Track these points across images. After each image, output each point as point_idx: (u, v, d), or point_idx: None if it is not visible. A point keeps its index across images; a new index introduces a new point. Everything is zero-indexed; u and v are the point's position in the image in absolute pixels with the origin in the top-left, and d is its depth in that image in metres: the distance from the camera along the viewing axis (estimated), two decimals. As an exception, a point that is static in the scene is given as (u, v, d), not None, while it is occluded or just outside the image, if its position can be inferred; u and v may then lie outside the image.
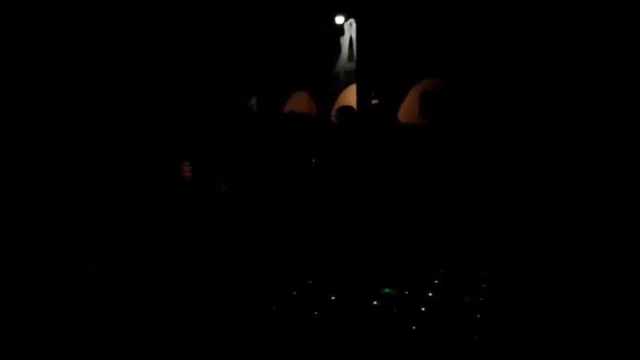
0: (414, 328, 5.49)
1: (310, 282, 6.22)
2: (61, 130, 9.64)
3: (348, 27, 19.31)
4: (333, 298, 5.83)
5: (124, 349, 4.96)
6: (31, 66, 9.71)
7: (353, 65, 19.08)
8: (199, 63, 12.10)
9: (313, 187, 8.38)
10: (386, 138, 10.37)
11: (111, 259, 6.96)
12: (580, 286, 6.06)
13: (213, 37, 14.87)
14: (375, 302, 5.53)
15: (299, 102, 19.70)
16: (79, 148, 9.56)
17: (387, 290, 5.87)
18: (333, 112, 16.80)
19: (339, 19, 19.11)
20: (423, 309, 5.53)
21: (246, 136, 9.56)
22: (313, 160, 8.87)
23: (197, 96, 11.00)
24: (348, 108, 16.49)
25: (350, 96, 19.17)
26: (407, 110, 17.63)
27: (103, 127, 9.77)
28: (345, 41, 19.37)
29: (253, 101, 18.76)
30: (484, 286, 5.86)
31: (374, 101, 17.98)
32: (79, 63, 9.94)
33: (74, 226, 7.86)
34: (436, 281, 5.88)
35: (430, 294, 5.74)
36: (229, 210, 8.48)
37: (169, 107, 10.30)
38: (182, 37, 11.72)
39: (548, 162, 7.24)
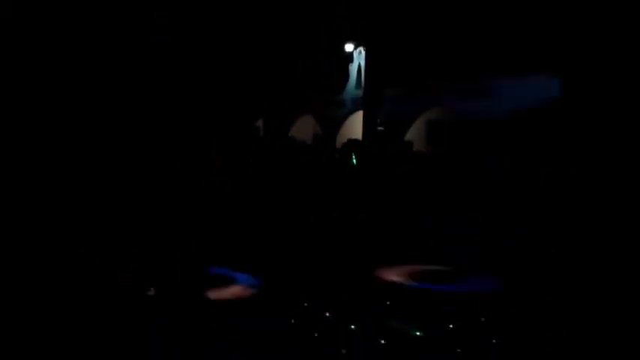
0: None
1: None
2: (60, 129, 9.60)
3: (357, 55, 19.50)
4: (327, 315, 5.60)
5: (124, 349, 4.80)
6: (31, 66, 9.70)
7: (360, 92, 19.21)
8: (208, 70, 12.13)
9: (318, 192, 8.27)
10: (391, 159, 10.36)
11: (111, 258, 6.84)
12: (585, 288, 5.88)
13: (228, 63, 15.03)
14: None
15: (305, 125, 19.81)
16: (78, 148, 9.51)
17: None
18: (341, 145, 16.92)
19: (349, 47, 19.36)
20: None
21: (248, 137, 9.54)
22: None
23: (198, 97, 10.99)
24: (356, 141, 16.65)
25: (356, 122, 19.24)
26: (413, 138, 17.70)
27: (103, 126, 9.74)
28: (353, 68, 19.59)
29: (259, 122, 18.88)
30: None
31: (380, 128, 18.08)
32: (79, 63, 9.95)
33: (75, 225, 7.75)
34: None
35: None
36: (230, 209, 8.39)
37: (170, 107, 10.27)
38: (196, 49, 11.78)
39: (548, 162, 7.13)
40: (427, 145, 17.06)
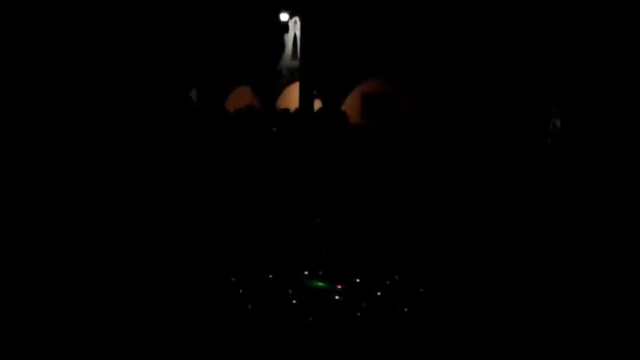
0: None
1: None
2: (59, 128, 9.37)
3: (292, 25, 19.24)
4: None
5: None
6: (31, 64, 9.47)
7: (297, 63, 19.09)
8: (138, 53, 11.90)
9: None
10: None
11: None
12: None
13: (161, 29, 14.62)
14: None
15: (242, 97, 19.53)
16: (75, 146, 9.26)
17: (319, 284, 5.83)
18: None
19: (284, 16, 19.08)
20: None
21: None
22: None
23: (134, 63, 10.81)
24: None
25: (293, 93, 19.10)
26: (349, 110, 17.82)
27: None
28: (289, 38, 19.35)
29: (193, 93, 18.44)
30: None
31: (316, 100, 18.09)
32: (79, 60, 9.75)
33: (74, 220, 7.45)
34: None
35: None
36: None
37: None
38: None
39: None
40: (362, 118, 17.25)
